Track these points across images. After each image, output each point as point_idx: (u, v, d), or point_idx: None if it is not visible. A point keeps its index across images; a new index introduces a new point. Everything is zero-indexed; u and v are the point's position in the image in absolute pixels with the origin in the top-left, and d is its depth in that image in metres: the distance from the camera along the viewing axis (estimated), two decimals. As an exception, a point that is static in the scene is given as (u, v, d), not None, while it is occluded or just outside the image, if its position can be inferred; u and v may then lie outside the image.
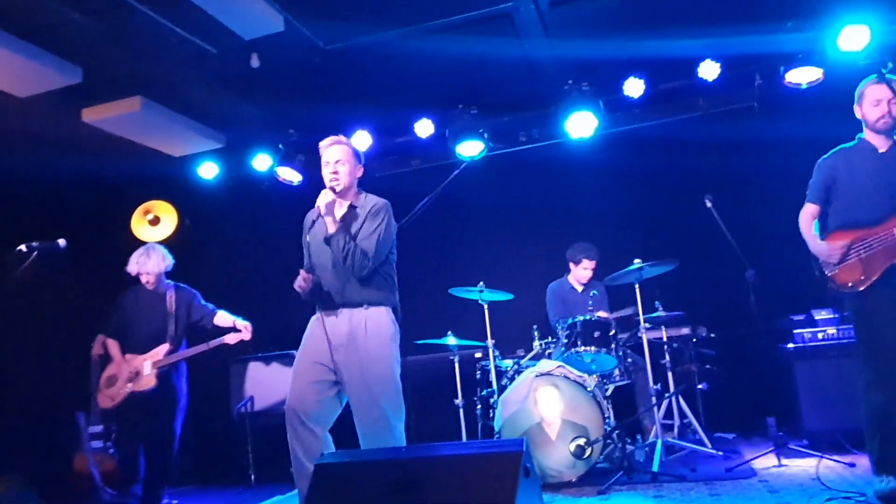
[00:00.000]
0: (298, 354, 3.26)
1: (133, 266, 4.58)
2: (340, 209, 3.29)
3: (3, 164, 5.16)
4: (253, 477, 5.39)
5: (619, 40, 4.86)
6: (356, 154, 3.37)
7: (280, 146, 5.87)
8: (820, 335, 4.51)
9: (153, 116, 5.22)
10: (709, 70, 5.05)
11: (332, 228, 3.17)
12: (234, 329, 4.56)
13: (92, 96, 4.96)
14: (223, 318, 4.65)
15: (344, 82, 5.28)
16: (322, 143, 3.35)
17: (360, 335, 3.13)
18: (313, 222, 3.29)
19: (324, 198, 3.19)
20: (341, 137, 3.37)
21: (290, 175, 5.95)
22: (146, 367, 4.47)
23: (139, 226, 5.87)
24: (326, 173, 3.29)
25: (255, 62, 4.63)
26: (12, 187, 5.26)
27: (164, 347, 4.50)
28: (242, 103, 5.47)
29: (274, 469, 5.29)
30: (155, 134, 5.54)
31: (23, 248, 3.60)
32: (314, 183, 6.04)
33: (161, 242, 4.97)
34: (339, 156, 3.28)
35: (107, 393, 4.55)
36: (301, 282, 3.19)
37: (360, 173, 3.38)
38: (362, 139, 5.84)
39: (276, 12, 4.20)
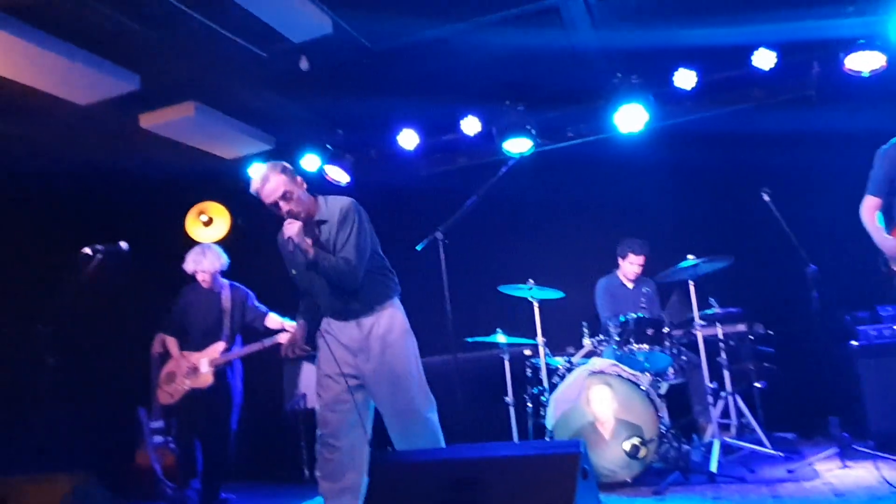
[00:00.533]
0: (318, 367, 3.25)
1: (189, 264, 4.68)
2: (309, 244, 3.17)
3: (67, 169, 5.37)
4: (306, 473, 5.48)
5: (669, 30, 4.75)
6: (285, 171, 3.14)
7: (328, 146, 5.96)
8: (886, 332, 4.34)
9: (206, 120, 5.35)
10: (764, 59, 4.90)
11: (310, 254, 3.05)
12: (284, 330, 4.63)
13: (149, 102, 5.12)
14: (273, 320, 4.73)
15: (390, 81, 5.32)
16: (254, 184, 3.13)
17: (374, 337, 3.15)
18: (291, 252, 3.17)
19: (290, 228, 3.04)
20: (259, 172, 3.14)
21: (339, 175, 6.02)
22: (203, 364, 4.58)
23: (194, 226, 6.04)
24: (282, 213, 3.10)
25: (304, 64, 4.69)
26: (76, 191, 5.46)
27: (220, 345, 4.60)
28: (291, 105, 5.56)
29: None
30: (208, 137, 5.68)
31: (88, 250, 3.76)
32: (362, 182, 6.15)
33: (215, 242, 5.11)
34: (280, 190, 3.06)
35: (166, 389, 4.70)
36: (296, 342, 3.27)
37: (304, 187, 3.19)
38: (409, 138, 5.88)
39: (325, 15, 4.25)
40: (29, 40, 4.00)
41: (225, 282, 4.82)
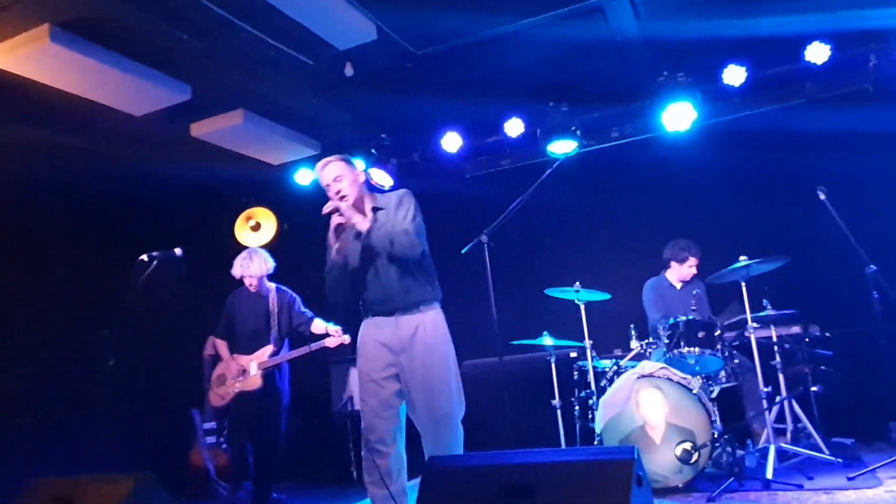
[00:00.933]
0: (361, 370, 3.23)
1: (237, 269, 4.77)
2: (367, 219, 3.22)
3: (122, 177, 5.54)
4: (355, 474, 5.54)
5: (717, 24, 4.65)
6: (349, 162, 3.33)
7: (372, 150, 6.01)
8: (951, 334, 4.16)
9: (254, 127, 5.46)
10: (817, 52, 4.76)
11: (364, 227, 3.15)
12: (329, 335, 4.67)
13: (199, 111, 5.25)
14: (319, 325, 4.79)
15: (433, 85, 5.34)
16: (317, 168, 3.32)
17: (418, 340, 3.15)
18: (341, 243, 3.18)
19: (337, 220, 3.12)
20: (329, 157, 3.33)
21: (383, 178, 6.08)
22: (252, 367, 4.66)
23: (242, 231, 6.18)
24: (331, 195, 3.22)
25: (348, 70, 4.76)
26: (130, 198, 5.64)
27: (269, 349, 4.68)
28: (336, 110, 5.63)
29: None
30: (256, 144, 5.79)
31: (145, 257, 3.88)
32: (405, 186, 6.17)
33: (262, 247, 5.21)
34: (335, 173, 3.24)
35: (217, 392, 4.79)
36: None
37: (363, 179, 3.34)
38: (452, 141, 5.90)
39: (370, 22, 4.29)
40: (88, 55, 4.14)
41: (272, 285, 4.89)
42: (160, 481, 3.03)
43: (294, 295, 4.96)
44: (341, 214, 3.12)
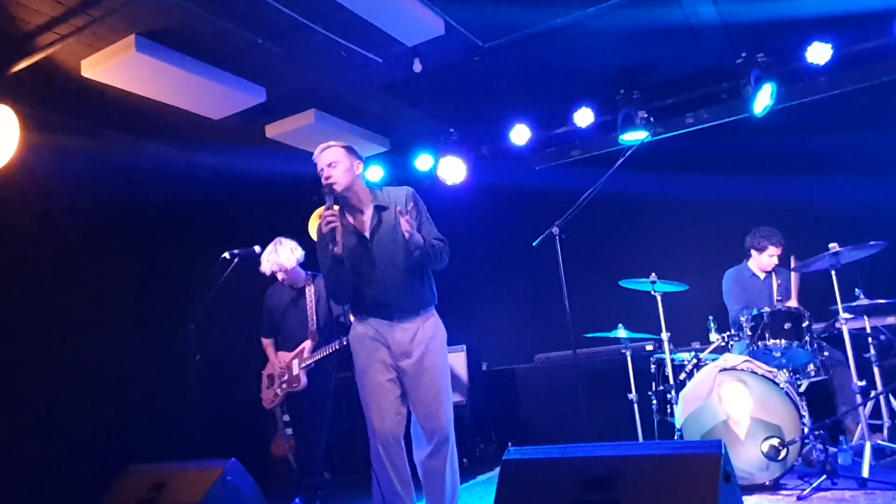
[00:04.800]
0: (364, 374, 3.13)
1: (266, 265, 4.43)
2: (368, 216, 3.14)
3: (202, 179, 5.77)
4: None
5: (799, 1, 4.43)
6: (350, 151, 3.17)
7: (441, 145, 6.04)
8: None
9: (326, 126, 5.57)
10: (911, 25, 4.46)
11: (367, 227, 3.09)
12: None
13: (274, 113, 5.41)
14: None
15: (501, 77, 5.32)
16: (314, 154, 3.18)
17: (417, 342, 3.10)
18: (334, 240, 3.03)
19: (330, 226, 2.99)
20: (329, 142, 3.19)
21: (451, 173, 6.09)
22: (294, 366, 4.47)
23: (315, 229, 6.31)
24: (323, 178, 3.11)
25: (417, 66, 4.79)
26: (211, 199, 5.86)
27: (307, 344, 4.47)
28: (405, 106, 5.69)
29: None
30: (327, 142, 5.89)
31: (226, 255, 4.04)
32: (475, 180, 6.19)
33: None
34: (331, 158, 3.11)
35: (267, 393, 4.65)
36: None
37: (360, 169, 3.18)
38: (521, 133, 5.85)
39: (438, 17, 4.31)
40: (170, 62, 4.33)
41: (309, 274, 4.58)
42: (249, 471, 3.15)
43: None
44: (333, 221, 2.99)
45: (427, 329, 3.14)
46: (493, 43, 4.71)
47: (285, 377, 4.53)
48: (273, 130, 5.60)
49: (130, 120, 5.09)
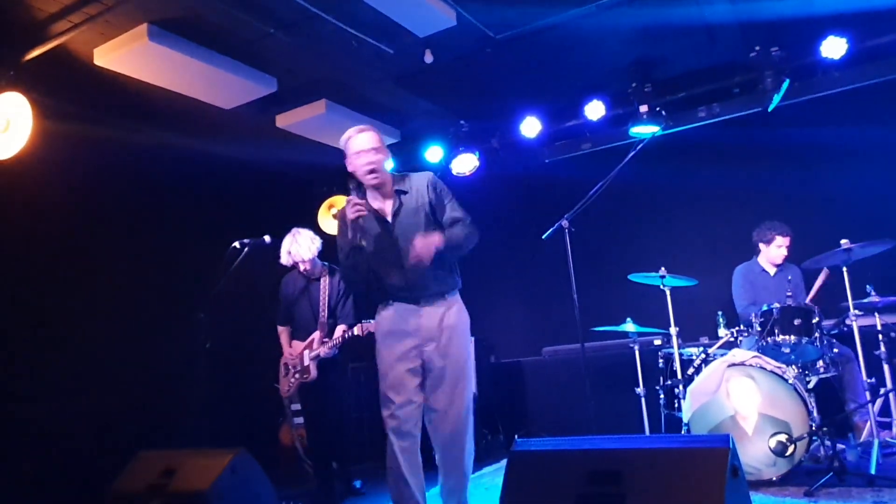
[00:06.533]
0: (385, 361, 3.11)
1: (286, 257, 4.47)
2: (389, 201, 3.10)
3: (213, 168, 5.79)
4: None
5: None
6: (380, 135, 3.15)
7: (451, 137, 6.03)
8: None
9: (336, 117, 5.57)
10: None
11: (389, 211, 3.06)
12: None
13: (284, 103, 5.41)
14: (339, 329, 4.48)
15: (512, 70, 5.29)
16: (350, 133, 3.08)
17: (445, 328, 3.08)
18: (360, 227, 3.01)
19: (355, 213, 2.94)
20: (362, 125, 3.12)
21: (462, 165, 6.11)
22: (305, 357, 4.51)
23: (324, 219, 6.33)
24: (363, 162, 3.00)
25: (428, 58, 4.77)
26: (221, 188, 5.88)
27: (316, 335, 4.50)
28: (416, 98, 5.67)
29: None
30: (338, 133, 5.72)
31: (237, 244, 4.05)
32: (485, 172, 6.18)
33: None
34: (374, 143, 3.01)
35: (283, 382, 4.69)
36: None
37: (390, 166, 3.18)
38: (531, 125, 5.83)
39: (450, 8, 4.29)
40: (182, 52, 4.34)
41: (325, 265, 4.62)
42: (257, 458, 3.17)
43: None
44: (361, 210, 2.94)
45: (452, 315, 3.13)
46: (505, 35, 4.69)
47: (298, 367, 4.57)
48: (284, 120, 5.61)
49: (142, 109, 5.11)
